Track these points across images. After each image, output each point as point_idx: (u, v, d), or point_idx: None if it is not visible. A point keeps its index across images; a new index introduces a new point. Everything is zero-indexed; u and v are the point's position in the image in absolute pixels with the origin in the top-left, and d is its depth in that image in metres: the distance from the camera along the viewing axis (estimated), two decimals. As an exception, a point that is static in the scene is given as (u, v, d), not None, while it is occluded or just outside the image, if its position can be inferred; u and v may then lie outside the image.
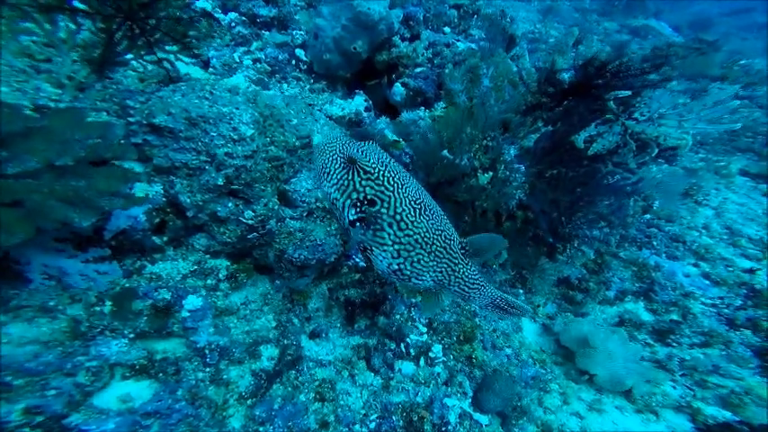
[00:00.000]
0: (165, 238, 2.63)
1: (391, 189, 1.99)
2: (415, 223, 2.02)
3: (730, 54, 12.08)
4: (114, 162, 1.97)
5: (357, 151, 2.02)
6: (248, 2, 5.50)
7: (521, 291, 4.22)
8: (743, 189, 6.80)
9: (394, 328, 3.12)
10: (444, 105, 3.16)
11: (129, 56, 2.81)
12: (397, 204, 1.99)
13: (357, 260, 3.15)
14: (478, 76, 2.99)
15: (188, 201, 2.45)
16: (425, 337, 3.16)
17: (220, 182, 2.41)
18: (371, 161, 1.99)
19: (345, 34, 4.31)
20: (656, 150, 2.78)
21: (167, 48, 2.88)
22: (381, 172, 1.98)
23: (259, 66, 4.37)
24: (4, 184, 1.58)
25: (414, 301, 3.25)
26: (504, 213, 2.90)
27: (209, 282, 2.85)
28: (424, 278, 2.17)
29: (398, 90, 3.73)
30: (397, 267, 2.12)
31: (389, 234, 2.03)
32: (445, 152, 2.79)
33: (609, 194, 3.02)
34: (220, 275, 2.93)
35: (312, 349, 3.05)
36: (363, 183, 1.98)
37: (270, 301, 3.18)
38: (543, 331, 4.01)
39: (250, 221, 2.67)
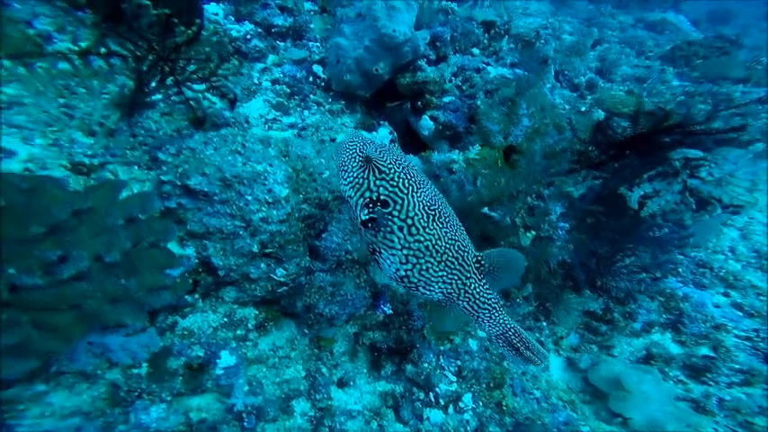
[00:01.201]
0: (196, 296, 2.59)
1: (405, 191, 1.93)
2: (427, 229, 1.94)
3: (751, 51, 11.79)
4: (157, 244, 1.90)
5: (375, 150, 1.98)
6: (263, 10, 5.32)
7: (544, 323, 4.19)
8: (768, 209, 6.69)
9: (422, 377, 3.09)
10: (480, 145, 3.04)
11: (158, 96, 2.71)
12: (410, 208, 1.93)
13: (385, 309, 3.10)
14: (518, 115, 2.87)
15: (220, 263, 2.39)
16: (455, 386, 3.13)
17: (255, 249, 2.34)
18: (388, 161, 1.95)
19: (368, 55, 4.16)
20: (719, 210, 2.65)
21: (195, 87, 2.78)
22: (397, 173, 1.94)
23: (278, 87, 4.23)
24: (63, 293, 1.54)
25: (442, 348, 3.22)
26: (543, 272, 2.83)
27: (238, 332, 2.83)
28: (432, 288, 2.06)
29: (427, 124, 3.60)
30: (404, 274, 2.03)
31: (399, 238, 1.96)
32: (485, 210, 2.71)
33: (654, 246, 2.92)
34: (249, 325, 2.90)
35: (341, 399, 3.03)
36: (378, 182, 1.94)
37: (296, 346, 3.16)
38: (568, 366, 3.99)
39: (281, 279, 2.61)
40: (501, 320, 2.12)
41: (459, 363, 3.20)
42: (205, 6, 5.53)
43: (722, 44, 10.53)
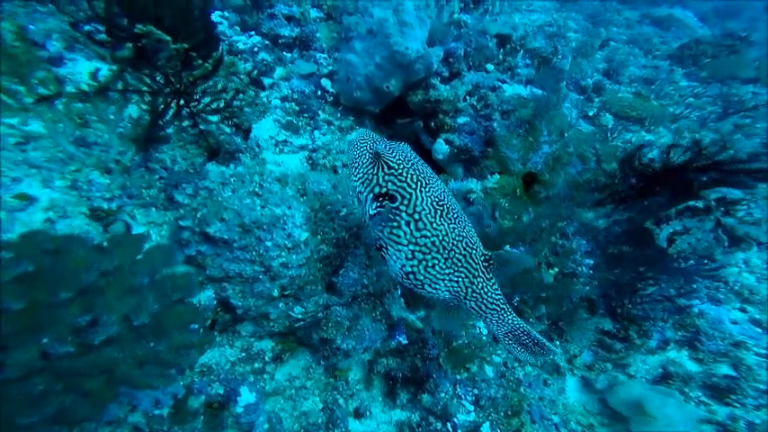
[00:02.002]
0: (215, 333, 2.59)
1: (413, 187, 1.93)
2: (435, 225, 1.93)
3: (760, 47, 11.65)
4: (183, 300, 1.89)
5: (385, 147, 1.99)
6: (270, 20, 5.25)
7: (557, 342, 4.20)
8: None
9: (439, 407, 3.11)
10: (497, 171, 2.99)
11: (172, 128, 2.69)
12: (418, 203, 1.92)
13: (400, 339, 3.10)
14: (538, 142, 2.83)
15: (239, 304, 2.38)
16: (473, 415, 3.15)
17: (275, 293, 2.33)
18: (397, 157, 1.96)
19: (378, 72, 4.11)
20: (755, 248, 2.60)
21: (210, 118, 2.75)
22: (405, 168, 1.94)
23: (287, 105, 4.18)
24: (95, 360, 1.54)
25: (458, 377, 3.22)
26: (565, 306, 2.82)
27: (256, 365, 2.84)
28: (438, 287, 2.03)
29: (442, 149, 3.57)
30: (410, 270, 2.01)
31: (405, 233, 1.94)
32: (507, 248, 2.69)
33: (679, 276, 2.87)
34: (266, 357, 2.92)
35: (357, 430, 3.04)
36: (386, 177, 1.95)
37: (312, 375, 3.17)
38: (584, 386, 3.99)
39: (299, 316, 2.61)
40: (509, 320, 2.09)
41: (476, 391, 3.21)
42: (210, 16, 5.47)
43: (732, 42, 10.41)
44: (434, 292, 2.07)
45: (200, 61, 2.44)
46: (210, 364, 2.69)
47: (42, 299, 1.59)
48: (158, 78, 2.40)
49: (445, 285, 2.03)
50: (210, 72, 2.43)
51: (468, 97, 3.72)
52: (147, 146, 2.62)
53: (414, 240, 1.95)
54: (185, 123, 2.71)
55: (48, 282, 1.64)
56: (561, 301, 2.82)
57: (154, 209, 2.36)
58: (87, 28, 2.42)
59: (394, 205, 1.94)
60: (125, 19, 2.38)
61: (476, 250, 2.01)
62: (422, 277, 2.02)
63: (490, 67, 4.15)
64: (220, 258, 2.23)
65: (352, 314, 2.84)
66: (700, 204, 2.67)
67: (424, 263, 1.98)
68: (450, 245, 1.96)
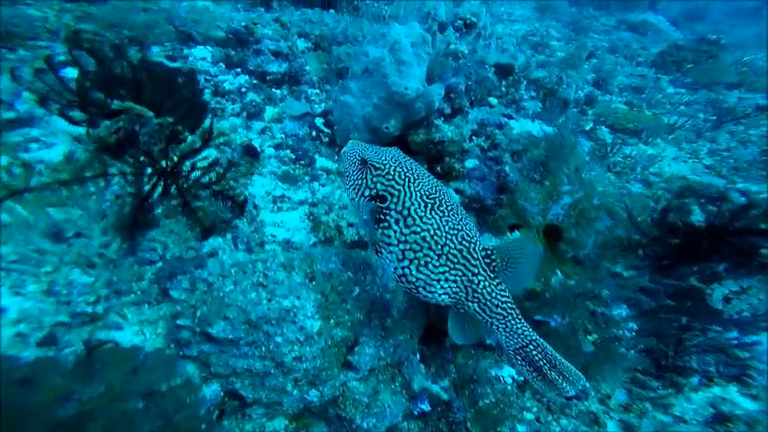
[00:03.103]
0: (224, 422, 2.29)
1: (401, 183, 1.85)
2: (424, 219, 1.79)
3: (732, 50, 11.81)
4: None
5: (371, 152, 1.96)
6: (256, 57, 4.99)
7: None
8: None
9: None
10: (514, 224, 2.75)
11: (159, 209, 2.39)
12: (406, 199, 1.82)
13: (423, 407, 2.84)
14: (558, 192, 2.61)
15: (249, 396, 2.10)
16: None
17: (289, 387, 2.06)
18: (383, 158, 1.92)
19: (376, 113, 3.87)
20: None
21: (201, 193, 2.46)
22: (392, 167, 1.88)
23: (282, 154, 3.90)
24: None
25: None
26: (608, 371, 2.58)
27: (270, 449, 2.53)
28: (434, 289, 1.84)
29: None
30: (401, 272, 1.85)
31: (395, 232, 1.82)
32: (539, 317, 2.46)
33: (730, 327, 2.61)
34: (280, 439, 2.61)
35: None
36: (375, 179, 1.89)
37: (328, 451, 2.88)
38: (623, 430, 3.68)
39: (314, 399, 2.33)
40: (519, 330, 1.83)
41: (508, 459, 2.95)
42: (193, 51, 5.18)
43: (708, 47, 10.50)
44: (430, 296, 1.88)
45: (187, 134, 2.17)
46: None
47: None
48: (141, 158, 2.11)
49: (442, 287, 1.85)
50: (199, 148, 2.16)
51: (474, 137, 3.49)
52: (133, 232, 2.32)
53: (403, 238, 1.82)
54: (174, 202, 2.42)
55: (14, 420, 1.34)
56: (602, 365, 2.59)
57: (147, 305, 2.06)
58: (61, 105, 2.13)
59: (384, 205, 1.86)
60: (100, 92, 2.11)
61: (474, 244, 1.82)
62: (414, 279, 1.85)
63: (494, 100, 3.94)
64: (226, 355, 1.96)
65: (371, 389, 2.57)
66: (756, 262, 2.42)
67: (415, 262, 1.82)
68: (444, 239, 1.79)
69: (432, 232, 1.79)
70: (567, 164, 2.83)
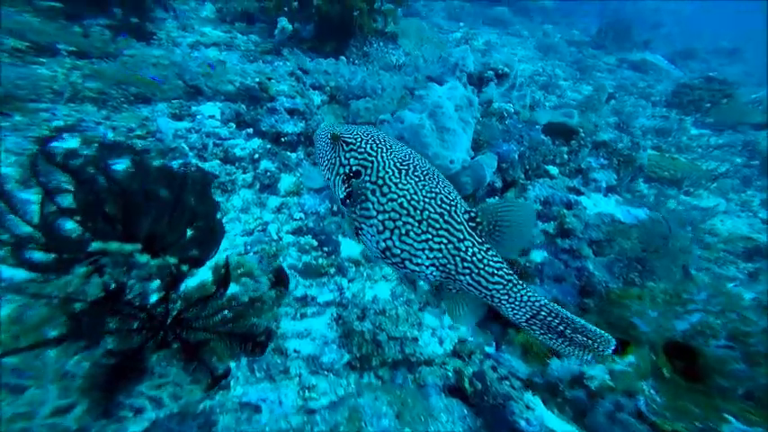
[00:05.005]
0: None
1: (374, 154, 1.78)
2: (400, 185, 1.70)
3: (745, 88, 11.42)
4: None
5: (343, 128, 1.90)
6: (270, 116, 4.37)
7: None
8: None
9: None
10: (619, 341, 2.02)
11: (154, 358, 1.62)
12: (380, 168, 1.74)
13: None
14: (687, 309, 1.86)
15: None
16: None
17: None
18: (354, 132, 1.86)
19: (415, 186, 3.17)
20: None
21: (210, 335, 1.69)
22: (363, 140, 1.82)
23: (303, 241, 3.15)
24: None
25: None
26: None
27: None
28: (420, 260, 1.69)
29: None
30: (384, 246, 1.72)
31: (373, 203, 1.72)
32: None
33: None
34: None
35: None
36: (348, 155, 1.82)
37: None
38: None
39: None
40: (524, 296, 1.63)
41: None
42: (201, 108, 4.57)
43: (720, 87, 10.11)
44: (419, 269, 1.72)
45: (194, 281, 1.42)
46: None
47: None
48: (129, 313, 1.36)
49: (427, 257, 1.70)
50: (213, 293, 1.41)
51: (538, 222, 2.77)
52: (111, 393, 1.55)
53: (381, 208, 1.71)
54: (175, 345, 1.66)
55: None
56: None
57: None
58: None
59: (359, 180, 1.77)
60: (75, 223, 1.38)
61: (455, 207, 1.69)
62: (398, 251, 1.70)
63: (554, 170, 3.23)
64: None
65: None
66: None
67: (396, 231, 1.69)
68: (422, 204, 1.67)
69: (408, 197, 1.68)
70: (674, 258, 2.09)
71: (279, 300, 2.21)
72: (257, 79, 4.41)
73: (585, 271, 2.37)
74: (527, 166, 3.16)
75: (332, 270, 3.00)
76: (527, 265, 2.56)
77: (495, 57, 4.83)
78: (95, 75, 4.16)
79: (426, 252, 1.68)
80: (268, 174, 3.71)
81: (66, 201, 1.42)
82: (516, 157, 3.06)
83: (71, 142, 3.43)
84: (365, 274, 3.11)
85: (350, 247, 3.21)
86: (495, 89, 3.85)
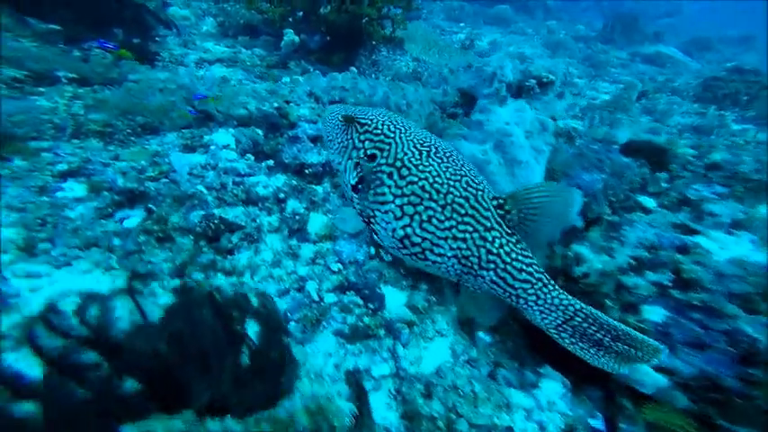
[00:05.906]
0: None
1: (392, 135, 1.60)
2: (421, 167, 1.51)
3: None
4: None
5: (356, 110, 1.73)
6: (292, 145, 3.81)
7: None
8: None
9: None
10: None
11: None
12: (398, 150, 1.55)
13: None
14: None
15: None
16: None
17: None
18: (369, 114, 1.70)
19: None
20: None
21: None
22: (379, 122, 1.65)
23: (346, 299, 2.58)
24: None
25: None
26: None
27: None
28: (443, 250, 1.47)
29: (654, 381, 1.98)
30: (403, 234, 1.51)
31: (390, 187, 1.53)
32: None
33: None
34: None
35: None
36: (362, 137, 1.66)
37: None
38: None
39: None
40: (555, 299, 1.40)
41: None
42: (213, 137, 4.03)
43: (756, 78, 9.45)
44: (440, 259, 1.50)
45: None
46: None
47: None
48: None
49: (450, 247, 1.50)
50: None
51: (644, 270, 2.18)
52: None
53: (399, 192, 1.53)
54: None
55: None
56: None
57: None
58: None
59: (373, 164, 1.60)
60: None
61: (483, 191, 1.50)
62: (419, 239, 1.50)
63: (649, 202, 2.59)
64: None
65: None
66: None
67: (417, 217, 1.51)
68: (446, 187, 1.47)
69: (431, 180, 1.51)
70: None
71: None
72: (275, 104, 3.87)
73: (742, 335, 1.79)
74: (612, 198, 2.57)
75: (381, 332, 2.42)
76: (635, 323, 1.99)
77: (537, 63, 4.25)
78: (98, 105, 3.67)
79: (449, 241, 1.49)
80: (297, 217, 3.15)
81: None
82: (600, 187, 2.48)
83: (77, 190, 2.94)
84: (417, 332, 2.54)
85: (393, 296, 2.64)
86: (559, 102, 3.27)
